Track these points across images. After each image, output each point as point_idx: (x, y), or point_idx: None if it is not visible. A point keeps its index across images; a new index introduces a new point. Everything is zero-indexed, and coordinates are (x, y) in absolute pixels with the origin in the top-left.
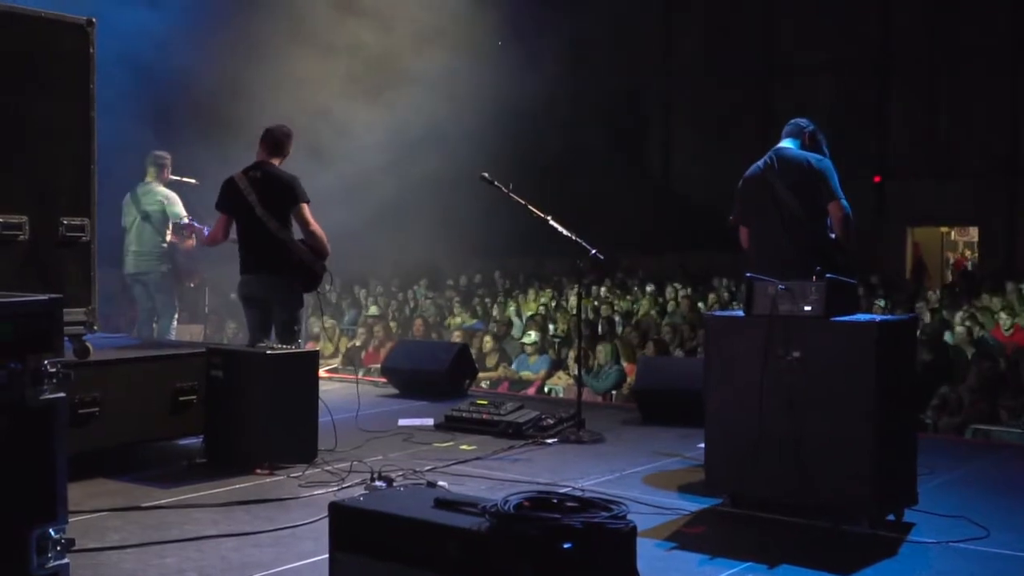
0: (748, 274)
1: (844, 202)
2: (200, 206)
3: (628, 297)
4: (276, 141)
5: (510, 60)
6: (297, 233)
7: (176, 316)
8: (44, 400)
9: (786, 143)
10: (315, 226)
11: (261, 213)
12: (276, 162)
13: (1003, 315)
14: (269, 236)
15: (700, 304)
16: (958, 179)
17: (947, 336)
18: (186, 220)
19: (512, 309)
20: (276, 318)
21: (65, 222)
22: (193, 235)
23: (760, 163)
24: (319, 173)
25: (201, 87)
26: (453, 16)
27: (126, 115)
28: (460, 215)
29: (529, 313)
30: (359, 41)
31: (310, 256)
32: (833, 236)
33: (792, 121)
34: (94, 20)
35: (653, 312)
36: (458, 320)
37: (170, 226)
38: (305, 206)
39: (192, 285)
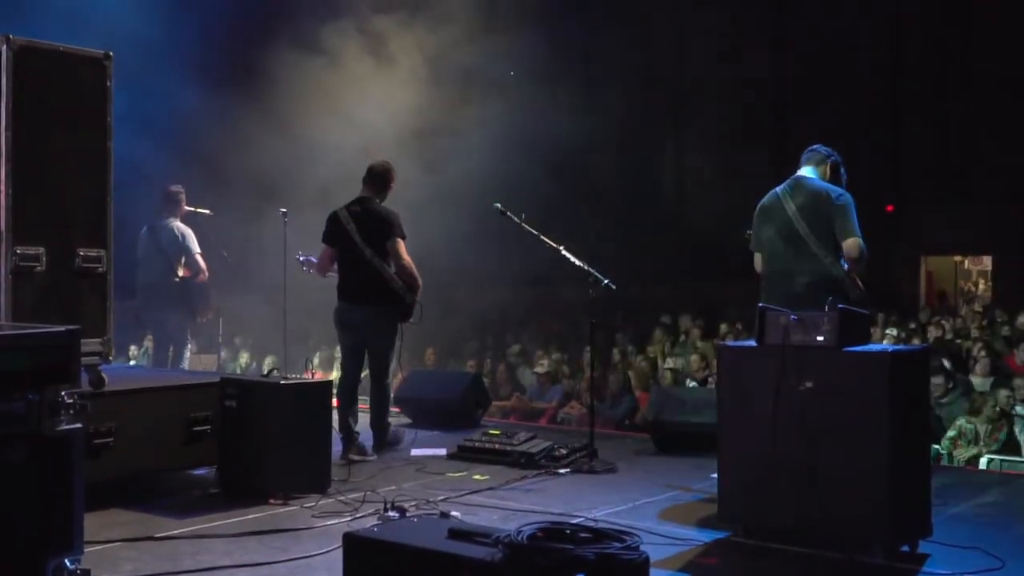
0: (760, 304)
1: (861, 240)
2: (214, 236)
3: (641, 327)
4: (376, 177)
5: (522, 92)
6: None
7: (189, 347)
8: (61, 431)
9: (806, 171)
10: (407, 260)
11: (361, 245)
12: (376, 196)
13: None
14: (368, 267)
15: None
16: (971, 207)
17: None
18: (302, 257)
19: (525, 338)
20: (372, 345)
21: (82, 253)
22: (205, 273)
23: (778, 190)
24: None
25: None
26: (460, 48)
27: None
28: (471, 243)
29: (541, 343)
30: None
31: (402, 287)
32: (847, 270)
33: (812, 148)
34: (111, 54)
35: (666, 342)
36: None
37: (183, 260)
38: (400, 241)
39: (204, 320)
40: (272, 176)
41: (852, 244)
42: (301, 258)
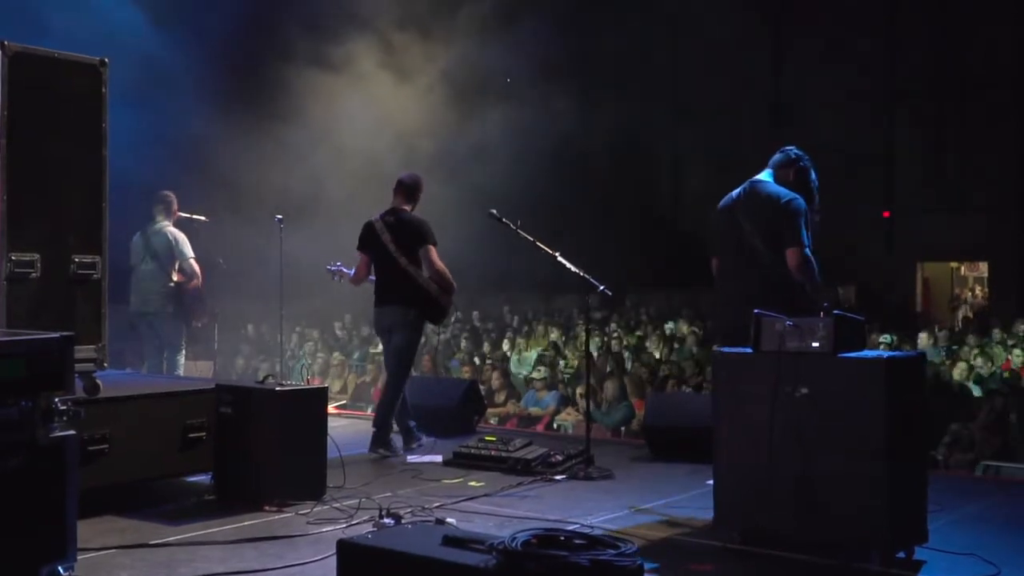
0: (756, 311)
1: (806, 248)
2: (211, 243)
3: (636, 333)
4: (408, 189)
5: (521, 100)
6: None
7: (183, 353)
8: (55, 438)
9: (763, 175)
10: (440, 265)
11: (394, 252)
12: (408, 207)
13: (1017, 351)
14: (401, 273)
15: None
16: (968, 214)
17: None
18: (333, 266)
19: (521, 344)
20: (392, 344)
21: (77, 260)
22: (199, 278)
23: (733, 194)
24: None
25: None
26: (459, 55)
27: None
28: (467, 251)
29: (538, 349)
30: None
31: (437, 291)
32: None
33: (782, 149)
34: (107, 60)
35: (662, 348)
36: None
37: (177, 266)
38: (432, 247)
39: (200, 325)
40: (270, 184)
41: (792, 254)
42: (332, 267)
